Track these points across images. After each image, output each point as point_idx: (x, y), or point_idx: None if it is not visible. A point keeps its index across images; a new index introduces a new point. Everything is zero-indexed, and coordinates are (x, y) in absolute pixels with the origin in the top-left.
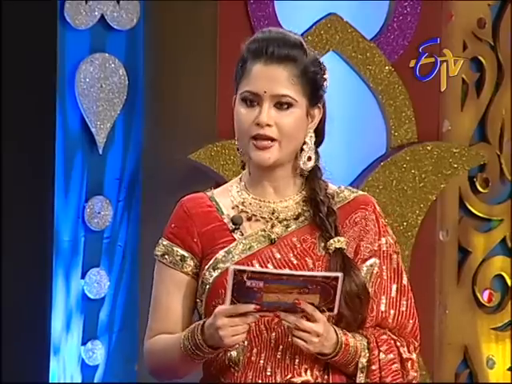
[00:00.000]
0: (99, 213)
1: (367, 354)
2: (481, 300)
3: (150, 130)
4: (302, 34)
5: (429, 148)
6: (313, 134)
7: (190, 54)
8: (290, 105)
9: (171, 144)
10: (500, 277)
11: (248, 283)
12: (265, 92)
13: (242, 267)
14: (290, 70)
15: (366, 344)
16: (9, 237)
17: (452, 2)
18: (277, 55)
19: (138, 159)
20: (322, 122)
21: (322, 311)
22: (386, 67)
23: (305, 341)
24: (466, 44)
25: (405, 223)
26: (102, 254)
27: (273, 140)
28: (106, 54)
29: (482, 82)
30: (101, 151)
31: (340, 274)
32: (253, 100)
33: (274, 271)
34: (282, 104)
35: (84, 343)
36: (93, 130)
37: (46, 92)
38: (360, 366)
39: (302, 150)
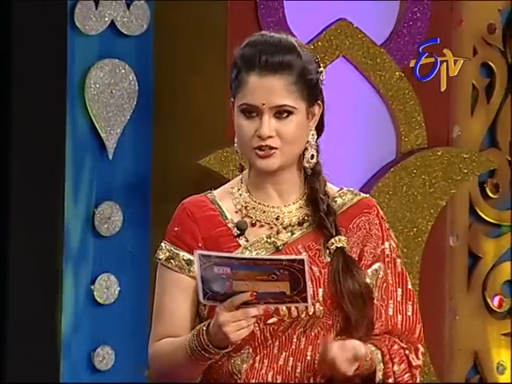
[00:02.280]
0: (109, 218)
1: (382, 368)
2: (491, 306)
3: (159, 135)
4: (311, 40)
5: (439, 153)
6: (314, 132)
7: (200, 60)
8: (289, 113)
9: (181, 149)
10: (510, 282)
11: (215, 269)
12: (263, 104)
13: (206, 252)
14: (286, 77)
15: (380, 357)
16: (18, 242)
17: (462, 7)
18: (271, 64)
19: (148, 165)
20: (322, 115)
21: (295, 301)
22: (396, 73)
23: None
24: (476, 49)
25: (415, 229)
26: (111, 259)
27: (275, 148)
28: (116, 60)
29: (492, 88)
30: (111, 157)
31: (305, 257)
32: (252, 111)
33: (239, 256)
34: (281, 113)
35: (94, 349)
36: (103, 135)
37: (55, 97)
38: (377, 380)
39: (305, 149)
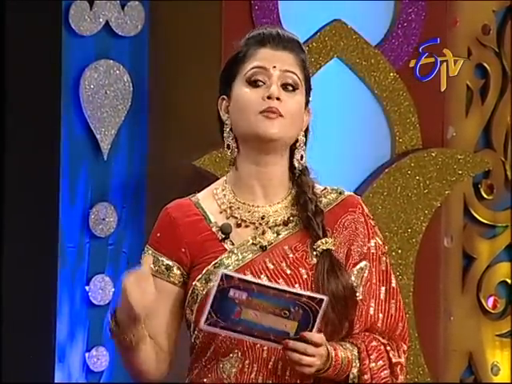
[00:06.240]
0: (104, 219)
1: (358, 365)
2: (485, 306)
3: (154, 136)
4: (306, 41)
5: (433, 154)
6: (304, 133)
7: (194, 60)
8: (295, 87)
9: (176, 150)
10: (505, 283)
11: (231, 293)
12: (274, 67)
13: (231, 273)
14: (295, 55)
15: (356, 354)
16: (14, 243)
17: (456, 8)
18: (283, 42)
19: (143, 165)
20: (308, 127)
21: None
22: (391, 74)
23: (309, 365)
24: (471, 50)
25: (409, 230)
26: (106, 260)
27: (281, 115)
28: (111, 61)
29: (487, 89)
30: (105, 157)
31: (325, 297)
32: (258, 80)
33: (262, 282)
34: (287, 86)
35: (88, 350)
36: (97, 136)
37: (50, 99)
38: (351, 376)
39: (295, 148)
